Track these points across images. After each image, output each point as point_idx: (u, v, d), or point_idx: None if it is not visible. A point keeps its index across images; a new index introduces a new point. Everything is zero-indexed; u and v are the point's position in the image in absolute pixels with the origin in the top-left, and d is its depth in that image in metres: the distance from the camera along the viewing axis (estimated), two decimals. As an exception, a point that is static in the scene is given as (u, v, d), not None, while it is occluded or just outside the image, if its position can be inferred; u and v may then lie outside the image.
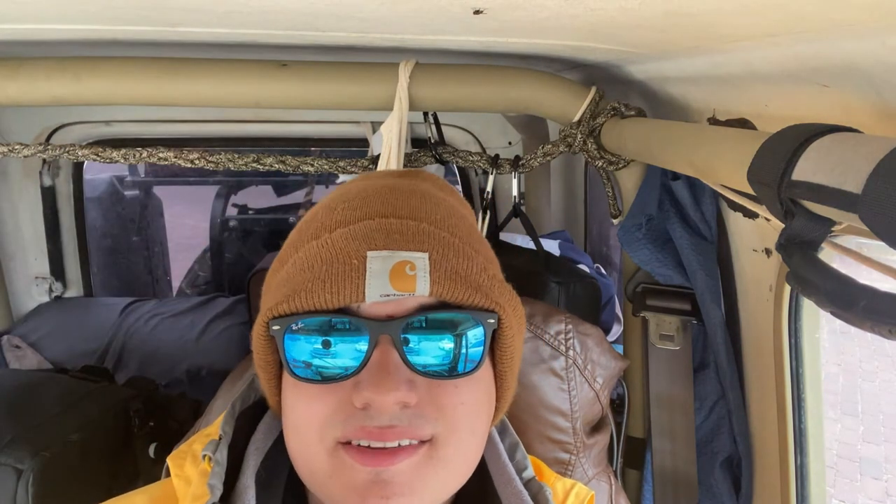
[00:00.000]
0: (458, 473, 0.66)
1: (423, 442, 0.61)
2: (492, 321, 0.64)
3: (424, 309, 0.61)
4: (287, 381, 0.65)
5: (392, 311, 0.61)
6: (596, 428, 1.10)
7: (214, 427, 0.75)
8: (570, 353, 1.04)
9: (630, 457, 1.29)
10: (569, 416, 1.04)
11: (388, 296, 0.59)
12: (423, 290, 0.60)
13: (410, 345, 0.61)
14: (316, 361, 0.61)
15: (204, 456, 0.68)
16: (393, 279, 0.59)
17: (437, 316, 0.62)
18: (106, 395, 1.36)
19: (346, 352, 0.60)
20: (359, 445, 0.59)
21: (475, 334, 0.63)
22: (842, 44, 0.61)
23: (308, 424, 0.61)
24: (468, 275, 0.63)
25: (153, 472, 1.31)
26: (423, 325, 0.61)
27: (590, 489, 0.82)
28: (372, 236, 0.62)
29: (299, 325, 0.61)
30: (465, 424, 0.63)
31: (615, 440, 1.17)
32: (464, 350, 0.62)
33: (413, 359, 0.60)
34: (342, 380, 0.60)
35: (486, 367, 0.67)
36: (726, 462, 1.16)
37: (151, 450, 1.35)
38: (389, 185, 0.71)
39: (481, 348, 0.63)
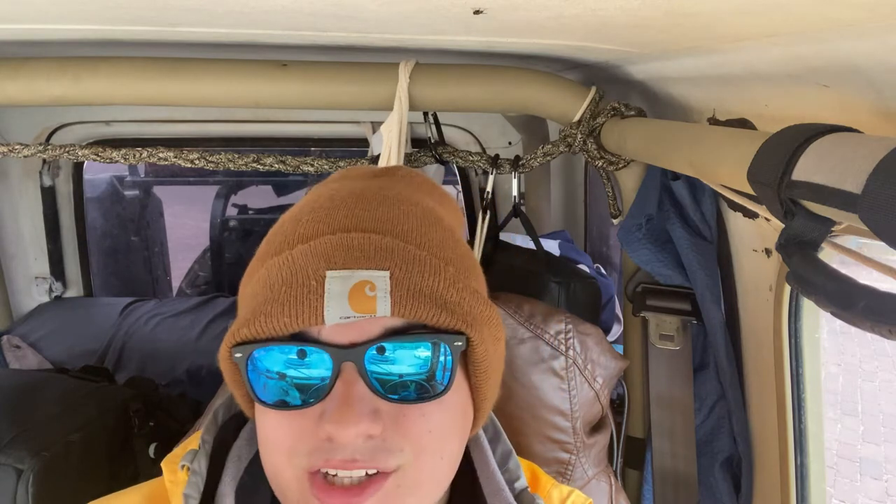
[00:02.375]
0: (431, 492, 0.63)
1: (390, 473, 0.59)
2: (459, 343, 0.60)
3: (388, 334, 0.59)
4: (257, 404, 0.63)
5: (355, 337, 0.58)
6: (596, 428, 1.10)
7: (198, 435, 0.74)
8: (570, 352, 1.04)
9: (630, 457, 1.29)
10: (569, 416, 1.04)
11: (348, 318, 0.57)
12: (383, 311, 0.57)
13: (374, 372, 0.58)
14: (279, 389, 0.59)
15: (182, 466, 0.67)
16: (352, 300, 0.57)
17: (401, 343, 0.59)
18: (106, 395, 1.36)
19: (309, 380, 0.58)
20: (325, 476, 0.58)
21: (442, 358, 0.60)
22: (842, 44, 0.61)
23: (276, 450, 0.60)
24: (433, 292, 0.60)
25: (153, 472, 1.31)
26: (387, 350, 0.59)
27: (587, 496, 0.81)
28: (331, 254, 0.59)
29: (260, 354, 0.59)
30: (432, 451, 0.61)
31: (615, 440, 1.17)
32: (431, 374, 0.60)
33: (378, 386, 0.58)
34: (307, 408, 0.58)
35: (459, 384, 0.64)
36: (726, 462, 1.16)
37: (151, 450, 1.35)
38: (358, 192, 0.67)
39: (449, 371, 0.61)
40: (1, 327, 1.95)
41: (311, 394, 0.58)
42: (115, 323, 1.99)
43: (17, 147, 1.28)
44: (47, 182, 1.96)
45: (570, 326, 1.05)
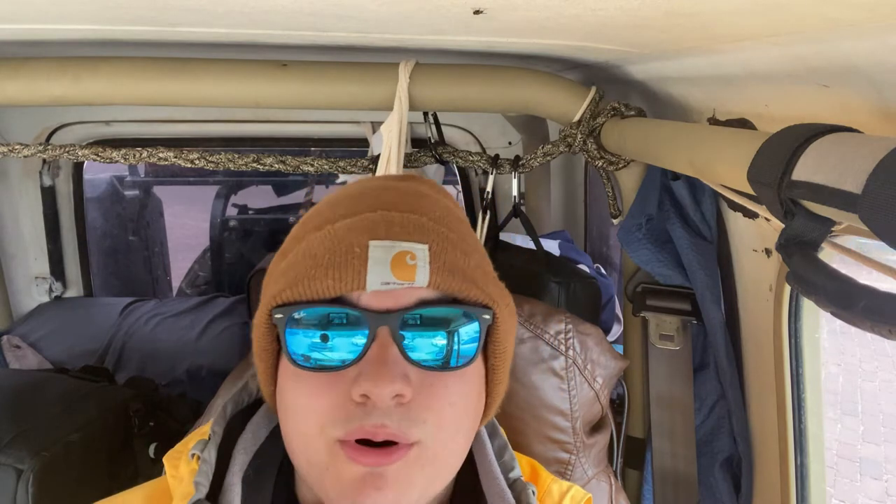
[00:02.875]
0: (445, 470, 0.68)
1: (412, 444, 0.62)
2: (487, 316, 0.65)
3: (422, 303, 0.63)
4: (286, 371, 0.66)
5: (391, 304, 0.62)
6: (596, 428, 1.10)
7: (207, 427, 0.76)
8: (570, 352, 1.04)
9: (630, 457, 1.29)
10: (568, 416, 1.04)
11: (388, 283, 0.61)
12: (422, 279, 0.61)
13: (407, 338, 0.62)
14: (315, 352, 0.62)
15: (193, 455, 0.70)
16: (394, 268, 0.61)
17: (434, 310, 0.63)
18: (106, 395, 1.36)
19: (345, 343, 0.62)
20: (355, 442, 0.61)
21: (470, 329, 0.65)
22: (842, 44, 0.61)
23: (308, 419, 0.63)
24: (465, 269, 0.65)
25: (153, 472, 1.31)
26: (421, 318, 0.63)
27: (587, 492, 0.82)
28: (374, 227, 0.64)
29: (301, 315, 0.63)
30: (452, 425, 0.64)
31: (615, 440, 1.17)
32: (457, 345, 0.64)
33: (410, 351, 0.62)
34: (340, 370, 0.62)
35: (478, 363, 0.68)
36: (726, 462, 1.16)
37: (151, 450, 1.35)
38: (390, 185, 0.73)
39: (476, 343, 0.65)
40: (1, 327, 1.95)
41: (346, 356, 0.62)
42: (115, 323, 1.99)
43: (17, 147, 1.28)
44: (47, 182, 1.96)
45: (570, 326, 1.05)
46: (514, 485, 0.75)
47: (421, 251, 0.62)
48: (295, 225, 0.75)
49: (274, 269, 0.70)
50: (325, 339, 0.62)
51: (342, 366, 0.62)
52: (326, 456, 0.62)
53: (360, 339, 0.62)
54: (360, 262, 0.61)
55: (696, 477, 1.18)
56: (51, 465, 1.13)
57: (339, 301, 0.63)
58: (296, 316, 0.63)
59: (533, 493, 0.74)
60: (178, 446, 0.76)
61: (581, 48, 1.00)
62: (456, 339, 0.64)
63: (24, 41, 1.06)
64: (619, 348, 1.30)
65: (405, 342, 0.62)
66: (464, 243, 0.69)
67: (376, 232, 0.63)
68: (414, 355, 0.62)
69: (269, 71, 1.11)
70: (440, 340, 0.63)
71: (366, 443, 0.61)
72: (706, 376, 1.17)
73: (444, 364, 0.64)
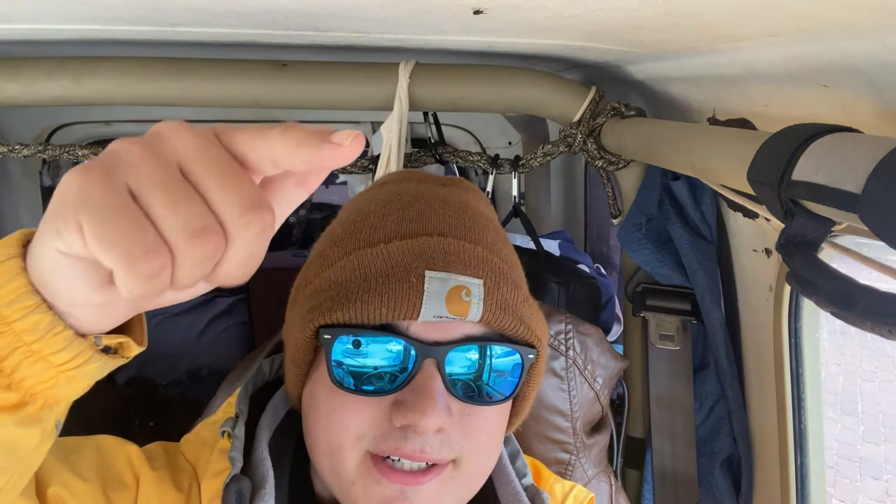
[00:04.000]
0: (474, 488, 0.69)
1: (448, 462, 0.63)
2: (531, 356, 0.66)
3: (470, 339, 0.63)
4: (322, 381, 0.66)
5: (440, 336, 0.62)
6: (596, 428, 1.10)
7: (220, 414, 0.77)
8: (570, 353, 1.04)
9: (630, 457, 1.29)
10: (568, 416, 1.04)
11: (441, 317, 0.61)
12: (474, 315, 0.61)
13: (451, 371, 0.62)
14: (360, 373, 0.62)
15: (223, 433, 0.70)
16: (449, 302, 0.61)
17: (485, 345, 0.63)
18: (106, 395, 1.36)
19: (391, 369, 0.62)
20: (388, 460, 0.61)
21: (514, 366, 0.65)
22: (842, 44, 0.61)
23: (341, 432, 0.63)
24: (515, 306, 0.65)
25: (153, 472, 1.31)
26: (468, 353, 0.63)
27: (589, 491, 0.83)
28: (431, 256, 0.63)
29: (350, 338, 0.62)
30: (485, 450, 0.66)
31: (615, 440, 1.17)
32: (501, 380, 0.65)
33: (452, 385, 0.62)
34: (383, 395, 0.62)
35: None
36: (726, 462, 1.16)
37: (151, 450, 1.34)
38: (441, 197, 0.71)
39: (517, 380, 0.66)
40: (1, 327, 1.95)
41: (388, 383, 0.62)
42: (114, 323, 1.99)
43: (17, 147, 1.28)
44: (47, 182, 1.96)
45: (570, 326, 1.05)
46: (527, 490, 0.76)
47: (476, 287, 0.62)
48: (333, 225, 0.73)
49: (313, 275, 0.69)
50: (374, 360, 0.62)
51: (386, 391, 0.62)
52: (355, 470, 0.62)
53: (405, 367, 0.62)
54: (415, 293, 0.60)
55: (696, 477, 1.18)
56: (51, 465, 1.13)
57: (387, 327, 0.62)
58: (345, 338, 0.62)
59: (547, 499, 0.76)
60: (189, 436, 0.77)
61: (581, 48, 1.00)
62: (500, 373, 0.65)
63: (24, 41, 1.06)
64: (619, 348, 1.30)
65: (449, 375, 0.62)
66: (513, 273, 0.69)
67: (433, 261, 0.62)
68: (457, 389, 0.63)
69: (269, 71, 1.11)
70: (486, 373, 0.64)
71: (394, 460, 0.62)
72: (706, 376, 1.17)
73: (485, 400, 0.65)
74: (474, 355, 0.63)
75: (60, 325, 0.41)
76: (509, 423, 0.74)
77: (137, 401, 1.39)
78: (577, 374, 1.04)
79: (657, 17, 0.70)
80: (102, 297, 0.39)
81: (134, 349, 0.47)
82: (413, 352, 0.61)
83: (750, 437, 1.11)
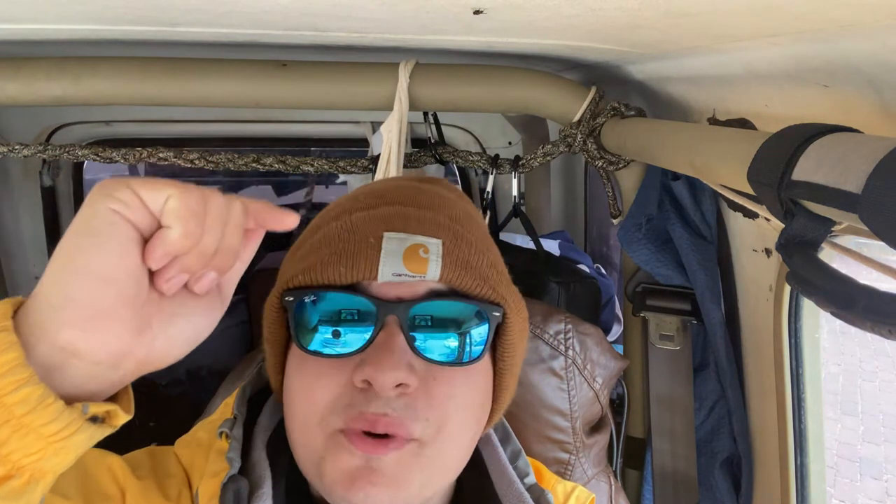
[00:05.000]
0: (444, 471, 0.67)
1: (411, 439, 0.62)
2: (497, 314, 0.65)
3: (432, 295, 0.63)
4: (293, 358, 0.66)
5: (401, 293, 0.63)
6: (596, 428, 1.10)
7: (217, 414, 0.77)
8: (570, 352, 1.04)
9: (630, 457, 1.29)
10: (568, 416, 1.04)
11: (399, 275, 0.61)
12: (433, 273, 0.62)
13: (415, 329, 0.62)
14: (323, 336, 0.63)
15: (221, 433, 0.70)
16: (406, 260, 0.61)
17: (444, 303, 0.63)
18: (106, 395, 1.36)
19: (353, 330, 0.62)
20: (356, 431, 0.61)
21: (480, 326, 0.65)
22: (842, 44, 0.61)
23: (310, 408, 0.63)
24: (478, 267, 0.65)
25: (153, 472, 1.31)
26: (430, 310, 0.63)
27: (591, 492, 0.83)
28: (390, 220, 0.64)
29: (311, 299, 0.63)
30: (453, 420, 0.64)
31: (615, 440, 1.17)
32: (466, 340, 0.64)
33: (417, 343, 0.62)
34: (347, 357, 0.62)
35: (485, 363, 0.68)
36: (726, 462, 1.16)
37: (151, 450, 1.35)
38: (412, 185, 0.74)
39: (484, 340, 0.65)
40: (1, 327, 1.95)
41: (353, 343, 0.62)
42: (114, 323, 1.98)
43: (17, 147, 1.28)
44: (47, 182, 1.96)
45: (569, 326, 1.05)
46: (530, 490, 0.75)
47: (434, 245, 0.63)
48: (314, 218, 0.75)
49: (290, 256, 0.71)
50: (334, 324, 0.62)
51: (348, 353, 0.62)
52: (324, 444, 0.62)
53: (369, 325, 0.62)
54: (373, 252, 0.62)
55: (696, 477, 1.18)
56: (51, 465, 1.13)
57: (350, 289, 0.63)
58: (306, 300, 0.63)
59: (551, 498, 0.75)
60: (186, 437, 0.77)
61: (581, 48, 1.00)
62: (465, 333, 0.64)
63: (24, 41, 1.06)
64: (619, 348, 1.30)
65: (412, 333, 0.62)
66: (479, 243, 0.69)
67: (392, 224, 0.64)
68: (420, 346, 0.62)
69: (269, 71, 1.11)
70: (450, 332, 0.63)
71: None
72: (706, 376, 1.17)
73: (451, 359, 0.63)
74: (437, 312, 0.63)
75: (51, 396, 0.42)
76: (493, 410, 0.72)
77: (137, 401, 1.38)
78: (577, 373, 1.04)
79: (657, 17, 0.70)
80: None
81: (122, 418, 0.50)
82: (374, 309, 0.61)
83: (750, 437, 1.11)
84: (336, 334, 0.62)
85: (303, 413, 0.64)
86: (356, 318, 0.62)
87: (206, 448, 0.72)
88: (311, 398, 0.63)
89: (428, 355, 0.62)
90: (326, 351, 0.62)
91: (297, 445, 0.66)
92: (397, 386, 0.60)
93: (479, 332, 0.65)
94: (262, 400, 0.78)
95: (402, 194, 0.70)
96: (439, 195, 0.72)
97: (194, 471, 0.71)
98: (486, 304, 0.65)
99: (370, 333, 0.61)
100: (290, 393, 0.66)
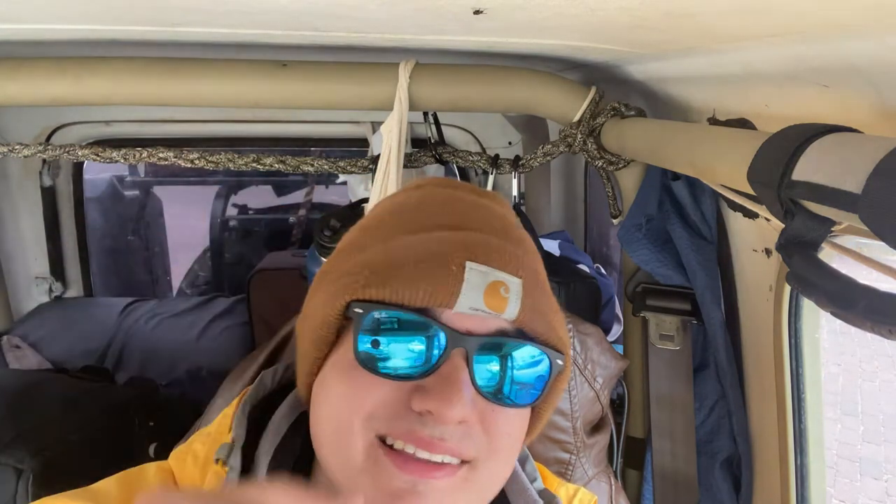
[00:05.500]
0: (488, 496, 0.67)
1: (463, 462, 0.61)
2: (560, 362, 0.65)
3: (502, 334, 0.62)
4: (339, 363, 0.64)
5: (472, 327, 0.61)
6: (596, 428, 1.10)
7: (214, 426, 0.74)
8: (570, 352, 1.04)
9: (630, 457, 1.29)
10: (569, 416, 1.04)
11: (477, 310, 0.59)
12: (511, 314, 0.61)
13: (480, 364, 0.61)
14: (386, 354, 0.61)
15: (217, 460, 0.67)
16: (487, 296, 0.60)
17: (514, 343, 0.62)
18: (106, 395, 1.36)
19: (418, 354, 0.60)
20: (401, 451, 0.59)
21: (543, 370, 0.64)
22: (842, 44, 0.61)
23: (352, 409, 0.60)
24: (548, 312, 0.65)
25: (153, 472, 1.31)
26: (499, 349, 0.62)
27: (593, 494, 0.83)
28: (472, 248, 0.62)
29: (383, 316, 0.61)
30: (503, 454, 0.64)
31: (615, 440, 1.17)
32: (528, 382, 0.63)
33: (479, 379, 0.60)
34: (406, 380, 0.60)
35: None
36: (726, 462, 1.16)
37: (151, 450, 1.34)
38: (479, 203, 0.71)
39: (544, 385, 0.65)
40: (1, 327, 1.95)
41: (412, 368, 0.60)
42: (115, 323, 1.99)
43: (17, 147, 1.28)
44: (47, 182, 1.96)
45: (570, 326, 1.05)
46: (540, 495, 0.75)
47: (515, 284, 0.61)
48: (364, 220, 0.73)
49: (344, 260, 0.67)
50: (397, 343, 0.61)
51: (410, 375, 0.60)
52: (363, 457, 0.60)
53: (436, 353, 0.60)
54: (455, 281, 0.59)
55: (696, 477, 1.18)
56: (51, 465, 1.13)
57: (420, 311, 0.61)
58: (376, 316, 0.61)
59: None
60: (182, 447, 0.74)
61: (581, 48, 1.00)
62: (528, 375, 0.63)
63: (24, 41, 1.06)
64: (619, 348, 1.30)
65: (478, 368, 0.60)
66: (546, 283, 0.69)
67: (475, 254, 0.61)
68: (483, 383, 0.61)
69: (269, 71, 1.11)
70: (514, 373, 0.63)
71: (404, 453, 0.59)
72: (706, 376, 1.17)
73: (511, 401, 0.63)
74: (504, 352, 0.62)
75: None
76: (526, 436, 0.72)
77: (137, 401, 1.38)
78: (577, 373, 1.04)
79: (657, 17, 0.70)
80: None
81: None
82: (444, 339, 0.60)
83: (750, 437, 1.11)
84: (399, 355, 0.61)
85: (343, 416, 0.61)
86: (424, 342, 0.60)
87: (203, 466, 0.70)
88: (355, 404, 0.61)
89: (490, 393, 0.61)
90: (383, 368, 0.61)
91: (328, 453, 0.64)
92: (459, 422, 0.59)
93: (541, 376, 0.64)
94: (266, 408, 0.75)
95: (476, 216, 0.67)
96: (508, 218, 0.71)
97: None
98: (551, 350, 0.64)
99: (434, 361, 0.60)
100: (329, 398, 0.64)
